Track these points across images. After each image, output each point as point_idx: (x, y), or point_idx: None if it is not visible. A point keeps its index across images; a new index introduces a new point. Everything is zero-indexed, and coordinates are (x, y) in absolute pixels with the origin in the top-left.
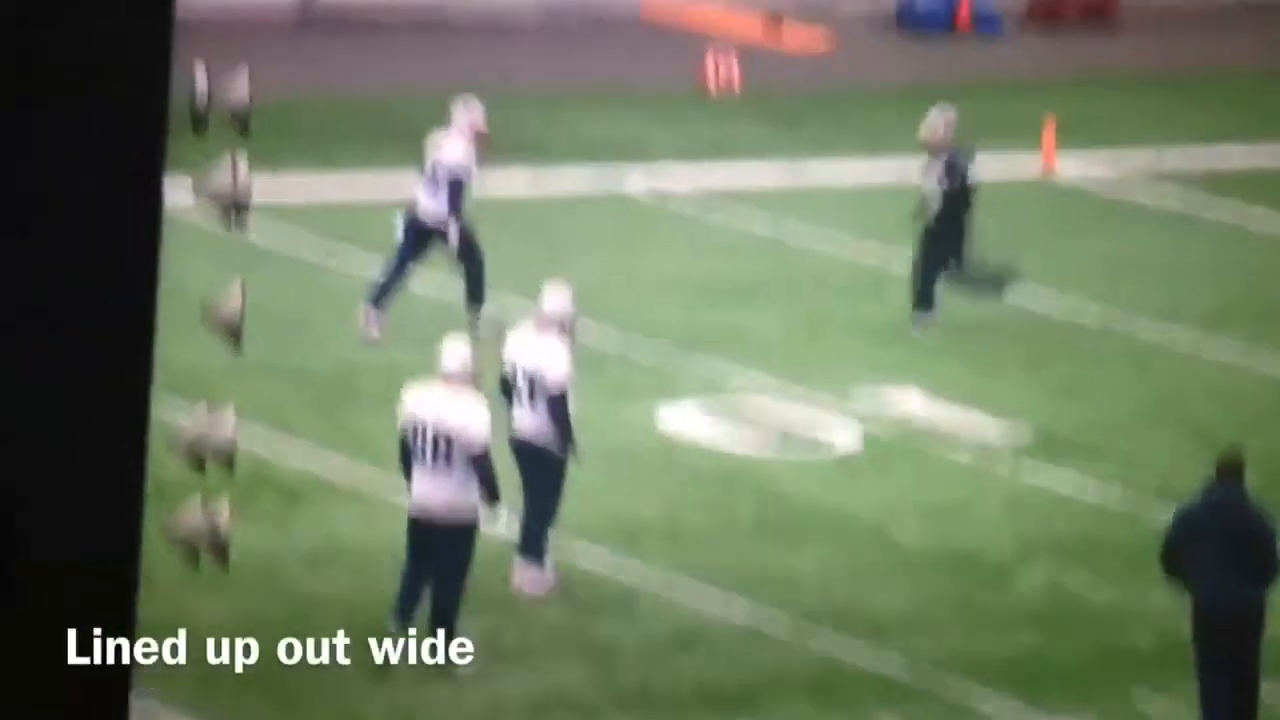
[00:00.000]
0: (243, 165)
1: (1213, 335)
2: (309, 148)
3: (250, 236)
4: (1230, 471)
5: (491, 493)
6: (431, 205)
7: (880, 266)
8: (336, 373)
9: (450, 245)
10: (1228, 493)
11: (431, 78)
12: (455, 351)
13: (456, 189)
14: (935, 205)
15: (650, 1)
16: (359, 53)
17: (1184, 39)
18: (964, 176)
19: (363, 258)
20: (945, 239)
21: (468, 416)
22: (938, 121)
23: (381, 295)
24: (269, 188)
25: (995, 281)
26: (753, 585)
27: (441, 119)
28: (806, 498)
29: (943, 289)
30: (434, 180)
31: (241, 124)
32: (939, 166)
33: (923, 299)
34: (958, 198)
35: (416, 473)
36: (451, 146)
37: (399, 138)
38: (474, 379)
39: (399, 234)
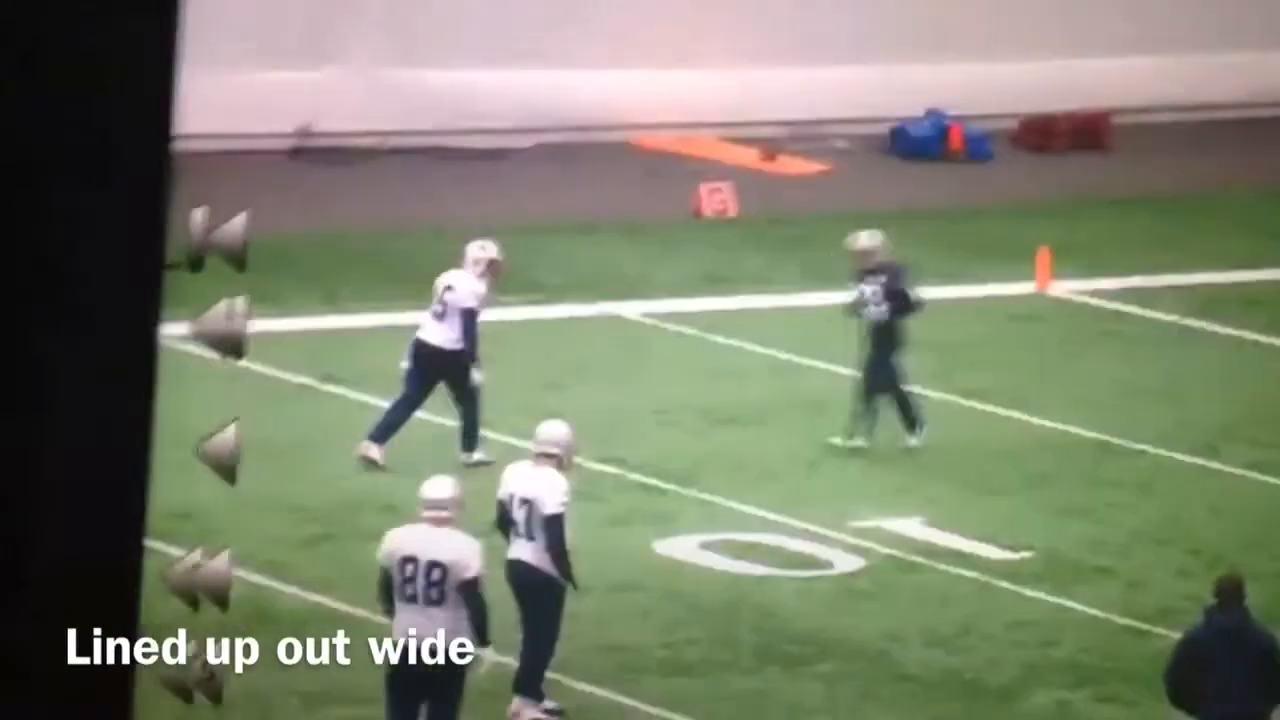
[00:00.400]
0: (240, 304)
1: (1213, 454)
2: (306, 280)
3: (246, 368)
4: (1232, 594)
5: (481, 624)
6: (439, 338)
7: None
8: (335, 507)
9: (472, 384)
10: (1232, 617)
11: (426, 209)
12: (440, 487)
13: (471, 328)
14: (876, 326)
15: (643, 132)
16: (354, 184)
17: (1175, 161)
18: (904, 294)
19: (361, 390)
20: (886, 358)
21: (459, 549)
22: (868, 241)
23: (386, 429)
24: (266, 320)
25: (912, 417)
26: (756, 715)
27: (436, 250)
28: (809, 624)
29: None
30: (443, 315)
31: (238, 261)
32: (877, 286)
33: (910, 421)
34: (897, 316)
35: (405, 610)
36: (465, 283)
37: (394, 268)
38: (459, 514)
39: (405, 367)
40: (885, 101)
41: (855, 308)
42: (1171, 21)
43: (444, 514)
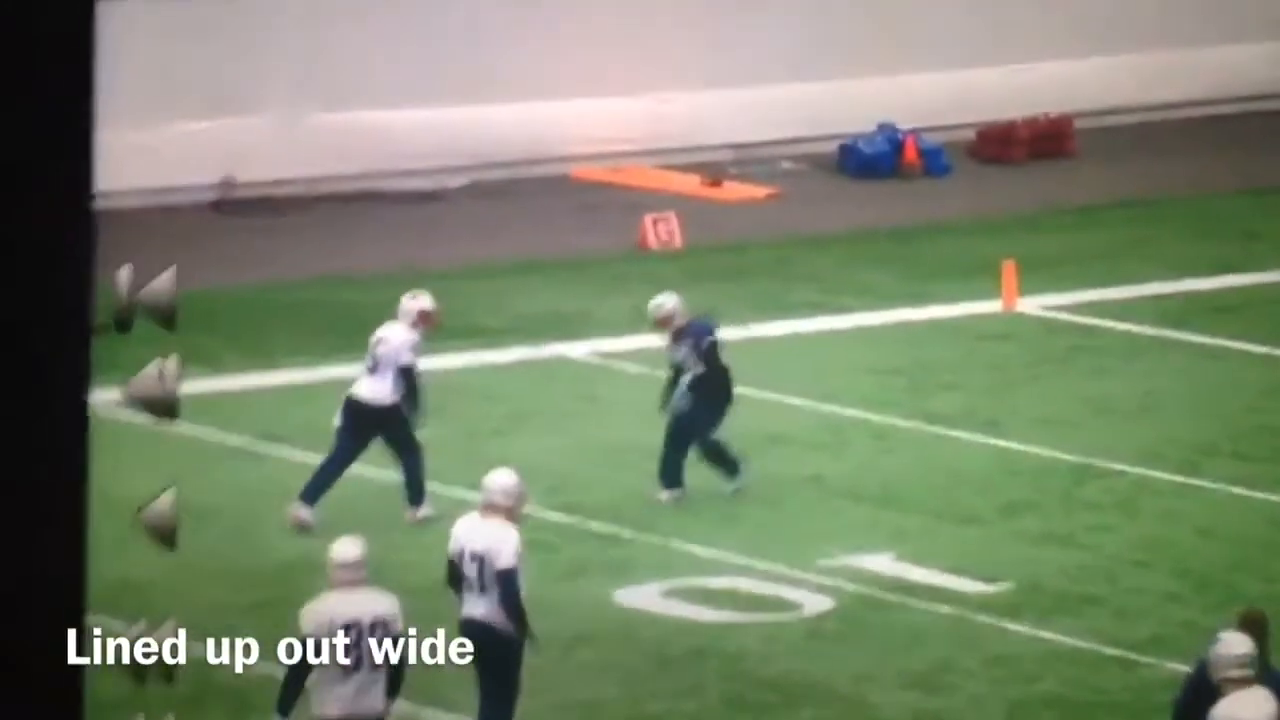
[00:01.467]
0: (171, 365)
1: (1196, 471)
2: (238, 336)
3: (181, 431)
4: (1251, 630)
5: (398, 680)
6: (370, 394)
7: (840, 421)
8: (278, 570)
9: (413, 437)
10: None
11: (358, 257)
12: (351, 547)
13: (412, 383)
14: (689, 387)
15: (580, 164)
16: (283, 235)
17: (1142, 164)
18: (710, 350)
19: (302, 448)
20: (703, 416)
21: (391, 606)
22: (661, 307)
23: (316, 489)
24: (199, 380)
25: (732, 465)
26: None
27: (372, 299)
28: (778, 670)
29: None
30: (375, 369)
31: (168, 320)
32: (683, 349)
33: (671, 478)
34: (708, 374)
35: (344, 682)
36: (396, 336)
37: (330, 320)
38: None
39: (336, 425)
40: (833, 118)
41: (669, 389)
42: (1130, 18)
43: (359, 575)
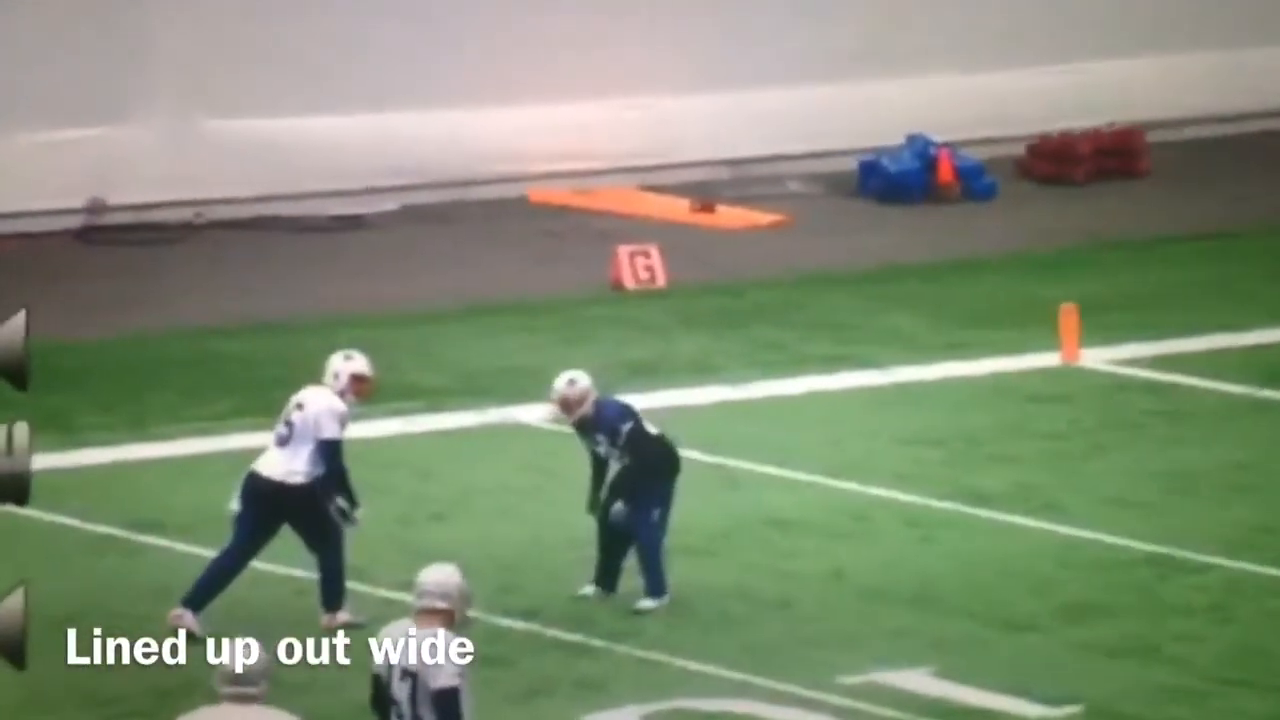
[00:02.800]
0: (21, 433)
1: None
2: (106, 398)
3: (32, 517)
4: None
5: None
6: (279, 470)
7: (864, 502)
8: (153, 692)
9: (332, 525)
10: None
11: (260, 298)
12: (243, 654)
13: (335, 462)
14: (622, 495)
15: (541, 184)
16: (165, 270)
17: (1230, 187)
18: (632, 437)
19: (186, 539)
20: (650, 510)
21: None
22: (574, 386)
23: (206, 591)
24: (56, 453)
25: (657, 581)
26: None
27: (275, 351)
28: None
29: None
30: (288, 440)
31: (17, 377)
32: (600, 441)
33: (606, 579)
34: (635, 464)
35: None
36: (319, 402)
37: (223, 377)
38: (268, 688)
39: (234, 509)
40: (852, 129)
41: (595, 486)
42: (1218, 9)
43: (252, 690)
